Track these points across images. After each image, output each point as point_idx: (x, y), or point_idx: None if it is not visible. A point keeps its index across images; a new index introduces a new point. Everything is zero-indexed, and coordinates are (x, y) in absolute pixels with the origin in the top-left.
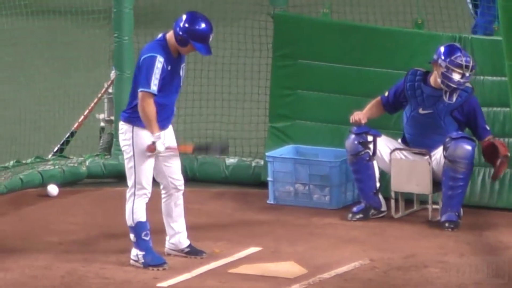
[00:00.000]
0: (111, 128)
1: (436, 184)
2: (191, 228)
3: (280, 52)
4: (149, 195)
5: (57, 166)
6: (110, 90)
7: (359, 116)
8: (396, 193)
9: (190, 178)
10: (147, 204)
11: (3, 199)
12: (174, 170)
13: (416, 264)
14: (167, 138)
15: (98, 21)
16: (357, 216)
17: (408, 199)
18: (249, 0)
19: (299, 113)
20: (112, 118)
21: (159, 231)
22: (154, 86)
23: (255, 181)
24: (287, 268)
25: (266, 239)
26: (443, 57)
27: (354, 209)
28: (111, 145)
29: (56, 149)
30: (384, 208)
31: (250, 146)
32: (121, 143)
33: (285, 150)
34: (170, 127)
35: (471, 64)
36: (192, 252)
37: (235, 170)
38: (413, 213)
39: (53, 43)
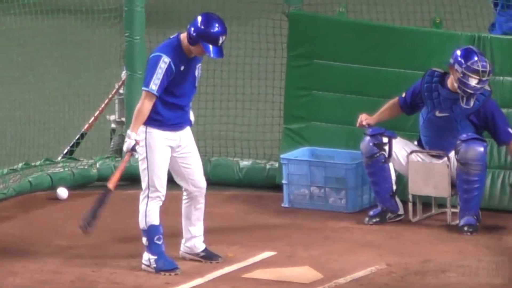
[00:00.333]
0: (122, 130)
1: (454, 186)
2: (205, 232)
3: (295, 52)
4: (163, 198)
5: (66, 169)
6: (121, 91)
7: (368, 121)
8: (413, 196)
9: None
10: (161, 207)
11: (12, 202)
12: (194, 171)
13: (434, 268)
14: (183, 140)
15: (108, 20)
16: (374, 220)
17: (426, 202)
18: None
19: (314, 114)
20: (123, 119)
21: (173, 235)
22: (154, 86)
23: (270, 184)
24: (302, 273)
25: (280, 243)
26: (459, 63)
27: (371, 212)
28: (121, 147)
29: (66, 151)
30: (401, 211)
31: (264, 148)
32: None
33: (300, 152)
34: (188, 129)
35: (488, 69)
36: (208, 256)
37: (249, 172)
38: (431, 217)
39: (63, 43)
